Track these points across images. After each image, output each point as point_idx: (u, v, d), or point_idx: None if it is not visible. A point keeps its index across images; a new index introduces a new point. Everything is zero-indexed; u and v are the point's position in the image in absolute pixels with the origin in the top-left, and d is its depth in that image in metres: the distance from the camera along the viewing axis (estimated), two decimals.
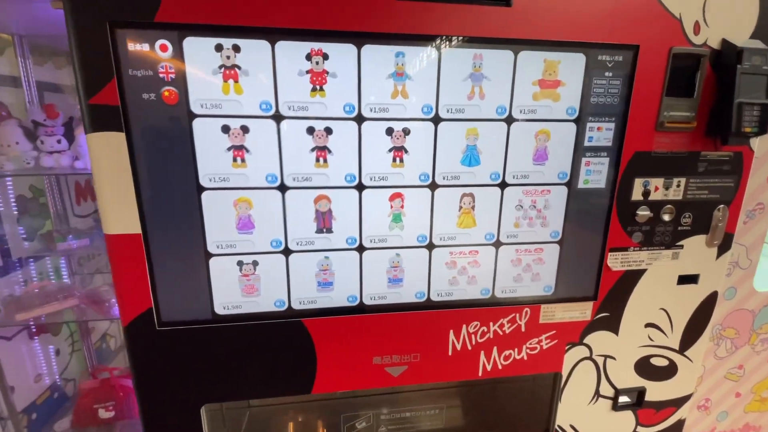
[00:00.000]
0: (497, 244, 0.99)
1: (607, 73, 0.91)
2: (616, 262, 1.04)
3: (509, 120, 0.91)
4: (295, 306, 0.95)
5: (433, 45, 0.84)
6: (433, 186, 0.92)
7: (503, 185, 0.95)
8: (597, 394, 1.15)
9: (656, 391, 1.18)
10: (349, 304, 0.97)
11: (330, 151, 0.86)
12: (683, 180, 1.01)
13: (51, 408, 1.48)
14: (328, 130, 0.85)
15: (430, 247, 0.97)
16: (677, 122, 0.95)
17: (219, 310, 0.92)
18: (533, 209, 0.98)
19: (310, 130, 0.84)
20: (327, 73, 0.82)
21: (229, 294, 0.91)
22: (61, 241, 1.33)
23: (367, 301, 0.97)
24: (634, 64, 0.91)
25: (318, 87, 0.83)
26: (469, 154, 0.92)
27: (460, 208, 0.95)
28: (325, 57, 0.81)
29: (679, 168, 1.00)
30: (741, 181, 1.04)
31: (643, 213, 1.00)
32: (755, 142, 1.02)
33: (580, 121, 0.93)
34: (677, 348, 1.15)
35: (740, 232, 1.41)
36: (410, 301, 0.99)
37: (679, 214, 1.03)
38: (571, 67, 0.89)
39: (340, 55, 0.82)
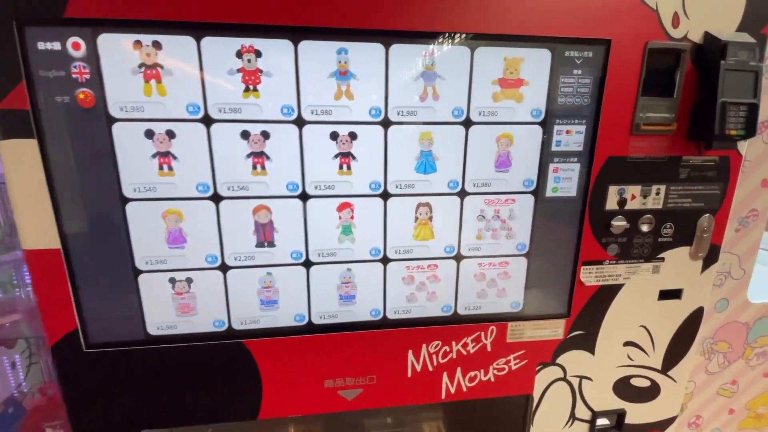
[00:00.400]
0: (458, 258, 0.91)
1: (575, 71, 0.83)
2: (590, 276, 0.95)
3: (467, 123, 0.83)
4: (236, 326, 0.87)
5: (380, 41, 0.76)
6: (386, 195, 0.84)
7: (463, 194, 0.87)
8: (572, 417, 1.07)
9: (637, 414, 1.10)
10: (296, 323, 0.89)
11: (269, 157, 0.78)
12: (663, 187, 0.92)
13: (6, 423, 1.42)
14: (266, 134, 0.77)
15: (385, 261, 0.89)
16: (655, 124, 0.86)
17: (152, 330, 0.85)
18: (497, 220, 0.90)
19: (245, 135, 0.77)
20: (261, 71, 0.74)
21: (163, 313, 0.84)
22: (4, 253, 1.27)
23: (316, 321, 0.90)
24: (606, 60, 0.82)
25: (251, 87, 0.75)
26: (423, 161, 0.84)
27: (417, 218, 0.87)
28: (258, 54, 0.74)
29: (658, 174, 0.91)
30: (728, 188, 0.95)
31: (619, 223, 0.92)
32: (744, 146, 0.94)
33: (546, 124, 0.85)
34: (659, 368, 1.06)
35: (732, 241, 1.32)
36: (364, 320, 0.91)
37: (659, 224, 0.94)
38: (535, 64, 0.81)
39: (275, 52, 0.74)
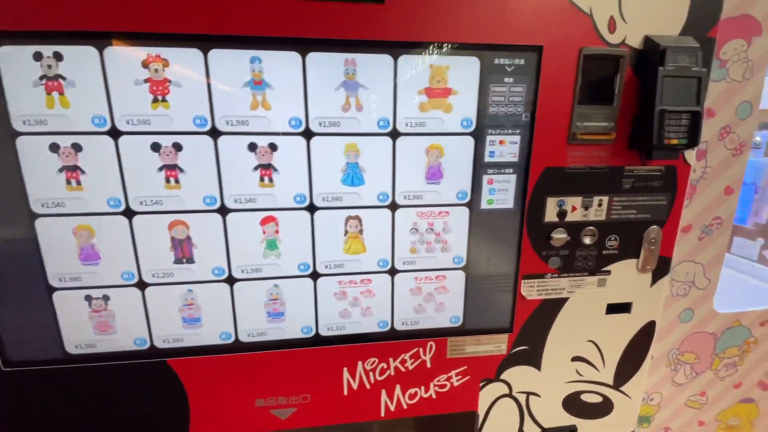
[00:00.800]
0: (392, 272, 0.88)
1: (507, 79, 0.79)
2: (531, 290, 0.92)
3: (394, 134, 0.80)
4: (159, 344, 0.84)
5: (296, 49, 0.73)
6: (312, 208, 0.81)
7: (394, 206, 0.84)
8: None
9: (590, 430, 1.06)
10: (222, 341, 0.86)
11: (182, 170, 0.75)
12: (605, 198, 0.88)
13: None
14: (178, 146, 0.74)
15: (315, 276, 0.86)
16: (592, 134, 0.83)
17: (70, 349, 0.82)
18: (431, 233, 0.87)
19: (156, 147, 0.74)
20: (169, 82, 0.71)
21: (81, 331, 0.81)
22: None
23: (243, 339, 0.86)
24: (539, 68, 0.79)
25: (160, 98, 0.72)
26: (350, 173, 0.80)
27: (346, 232, 0.84)
28: (166, 64, 0.71)
29: (599, 185, 0.87)
30: (675, 199, 0.91)
31: (559, 236, 0.88)
32: (692, 155, 0.90)
33: (478, 135, 0.82)
34: (611, 383, 1.03)
35: (696, 250, 1.28)
36: (295, 337, 0.88)
37: (602, 236, 0.91)
38: (463, 72, 0.78)
39: (184, 61, 0.71)
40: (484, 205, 0.86)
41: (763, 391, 1.52)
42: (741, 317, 1.39)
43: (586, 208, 0.88)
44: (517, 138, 0.83)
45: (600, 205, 0.89)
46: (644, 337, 1.01)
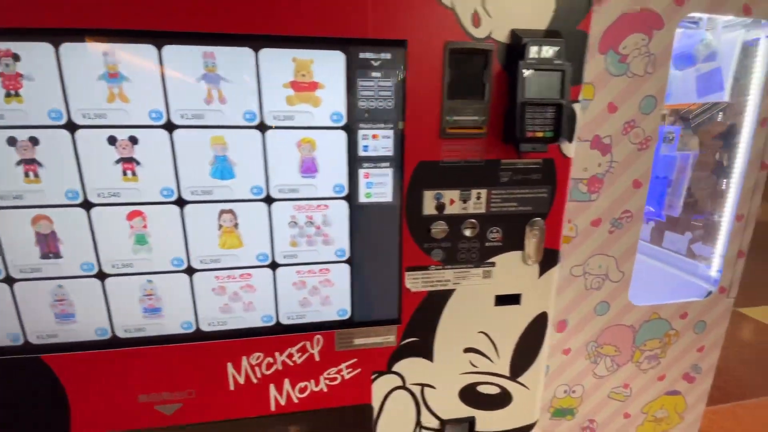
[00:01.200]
0: (273, 266, 0.88)
1: (374, 74, 0.80)
2: (416, 282, 0.93)
3: (262, 127, 0.80)
4: (33, 340, 0.83)
5: (151, 42, 0.73)
6: (181, 202, 0.81)
7: (269, 200, 0.84)
8: (419, 425, 1.04)
9: (490, 421, 1.07)
10: (98, 337, 0.85)
11: (41, 164, 0.75)
12: (484, 191, 0.90)
13: None
14: (35, 140, 0.74)
15: (190, 271, 0.86)
16: (463, 128, 0.84)
17: None
18: (311, 226, 0.87)
19: (12, 141, 0.73)
20: (21, 76, 0.71)
21: None
22: None
23: (121, 334, 0.86)
24: (406, 62, 0.80)
25: (13, 92, 0.71)
26: (219, 166, 0.80)
27: (221, 226, 0.84)
28: (16, 58, 0.70)
29: (477, 179, 0.88)
30: (556, 191, 0.93)
31: (438, 228, 0.89)
32: (570, 148, 0.92)
33: (350, 129, 0.82)
34: (507, 374, 1.04)
35: (607, 243, 1.30)
36: (175, 333, 0.88)
37: (484, 228, 0.92)
38: (329, 67, 0.78)
39: (34, 55, 0.70)
40: (362, 199, 0.87)
41: (689, 383, 1.55)
42: (659, 310, 1.41)
43: (465, 201, 0.89)
44: (390, 132, 0.84)
45: (479, 198, 0.90)
46: (537, 328, 1.02)
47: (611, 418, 1.53)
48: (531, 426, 1.12)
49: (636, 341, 1.43)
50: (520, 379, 1.06)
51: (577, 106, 0.89)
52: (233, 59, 0.75)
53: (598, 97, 1.13)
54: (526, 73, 0.79)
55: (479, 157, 0.87)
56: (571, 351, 1.37)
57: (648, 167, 1.24)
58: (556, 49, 0.80)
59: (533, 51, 0.79)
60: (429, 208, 0.88)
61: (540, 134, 0.82)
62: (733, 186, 1.40)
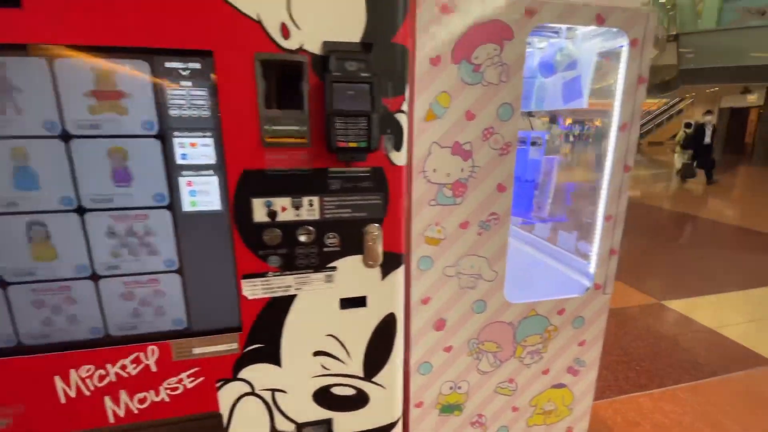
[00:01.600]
0: (95, 278, 0.87)
1: (184, 83, 0.80)
2: (255, 289, 0.94)
3: (65, 136, 0.79)
4: None
5: None
6: None
7: (81, 210, 0.83)
8: (274, 431, 1.05)
9: (349, 422, 1.10)
10: None
11: None
12: (316, 199, 0.92)
13: None
14: None
15: (4, 285, 0.83)
16: (283, 137, 0.86)
17: None
18: (132, 236, 0.86)
19: None
20: None
21: None
22: None
23: None
24: (216, 72, 0.81)
25: None
26: (20, 177, 0.79)
27: (31, 238, 0.82)
28: None
29: (306, 187, 0.90)
30: (389, 198, 0.96)
31: (272, 235, 0.91)
32: (400, 156, 0.95)
33: (164, 137, 0.82)
34: (361, 375, 1.07)
35: (477, 244, 1.36)
36: None
37: (321, 234, 0.94)
38: (133, 75, 0.78)
39: None
40: (187, 207, 0.87)
41: (574, 377, 1.63)
42: (536, 306, 1.48)
43: (298, 208, 0.91)
44: (209, 141, 0.84)
45: (311, 205, 0.92)
46: (387, 329, 1.06)
47: (500, 412, 1.59)
48: (393, 424, 1.15)
49: (516, 337, 1.50)
50: (375, 380, 1.08)
51: (401, 117, 0.92)
52: (25, 69, 0.74)
53: (455, 105, 1.17)
54: (334, 85, 0.81)
55: (306, 166, 0.89)
56: (453, 348, 1.42)
57: (510, 171, 1.30)
58: (362, 61, 0.83)
59: (337, 63, 0.82)
60: (260, 215, 0.89)
61: (354, 144, 0.84)
62: (604, 187, 1.50)
